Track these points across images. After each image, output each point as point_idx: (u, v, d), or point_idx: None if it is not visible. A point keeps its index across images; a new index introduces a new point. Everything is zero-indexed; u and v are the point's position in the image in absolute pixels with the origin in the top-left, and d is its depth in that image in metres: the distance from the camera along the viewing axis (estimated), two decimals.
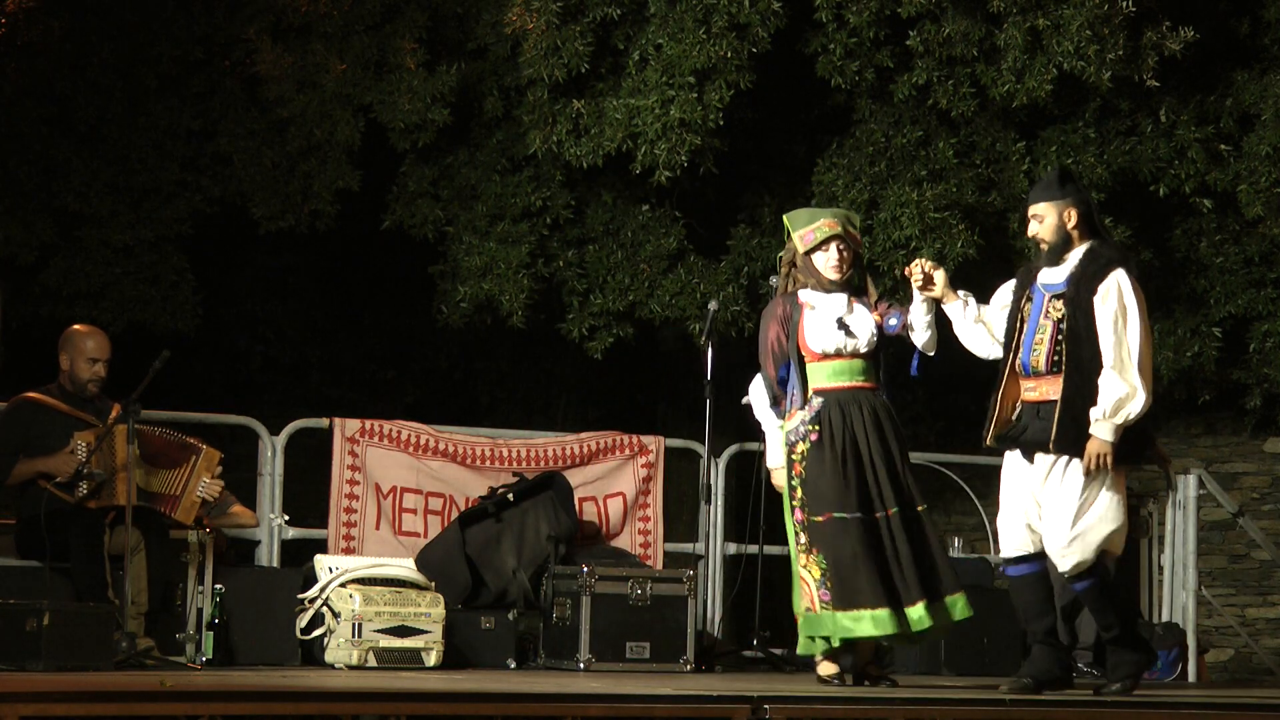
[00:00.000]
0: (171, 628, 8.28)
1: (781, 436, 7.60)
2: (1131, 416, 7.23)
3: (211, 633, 8.25)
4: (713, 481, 9.75)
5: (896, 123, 10.92)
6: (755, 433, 9.75)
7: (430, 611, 8.59)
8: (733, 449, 10.22)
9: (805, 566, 7.48)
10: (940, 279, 7.50)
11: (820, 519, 7.44)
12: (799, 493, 7.51)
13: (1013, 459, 7.48)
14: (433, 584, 8.82)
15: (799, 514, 7.52)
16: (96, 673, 7.00)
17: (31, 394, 8.45)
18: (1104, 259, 7.36)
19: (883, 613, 7.35)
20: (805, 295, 7.58)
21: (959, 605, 7.51)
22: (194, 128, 11.82)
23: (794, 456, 7.54)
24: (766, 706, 6.28)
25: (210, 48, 11.76)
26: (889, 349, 7.65)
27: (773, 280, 10.00)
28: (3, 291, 11.75)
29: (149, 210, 11.83)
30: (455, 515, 9.44)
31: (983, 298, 7.65)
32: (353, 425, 9.59)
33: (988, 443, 7.53)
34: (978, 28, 10.29)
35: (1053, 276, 7.43)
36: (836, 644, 7.45)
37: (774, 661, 9.43)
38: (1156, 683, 9.79)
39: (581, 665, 8.76)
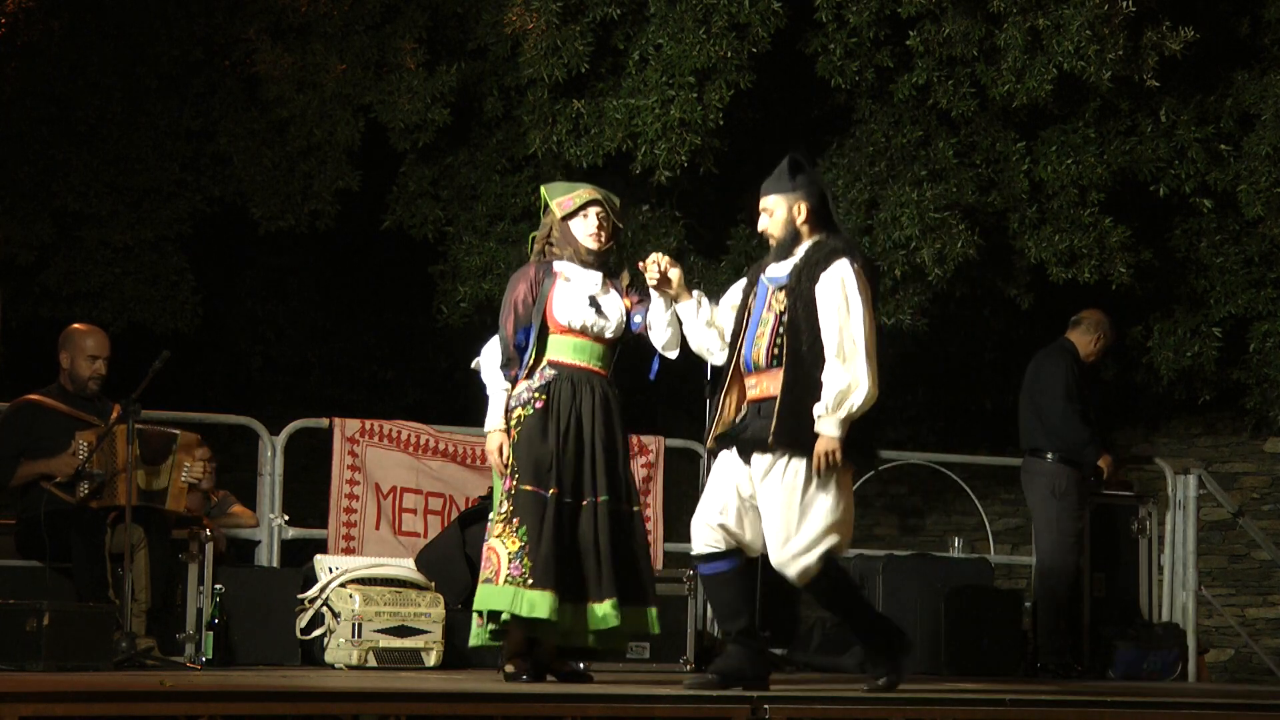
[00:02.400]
0: (172, 628, 8.29)
1: (504, 400, 7.31)
2: (855, 408, 6.88)
3: (211, 633, 8.26)
4: None
5: (896, 123, 10.92)
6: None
7: (430, 611, 8.59)
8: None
9: (501, 536, 7.14)
10: (676, 277, 7.20)
11: (528, 489, 7.16)
12: (510, 460, 7.22)
13: (725, 457, 7.13)
14: (433, 584, 8.82)
15: (508, 482, 7.22)
16: (96, 673, 7.01)
17: (32, 396, 8.47)
18: (829, 249, 7.04)
19: (564, 603, 7.06)
20: (560, 266, 7.36)
21: (651, 616, 7.24)
22: (194, 128, 11.83)
23: (512, 422, 7.27)
24: (766, 706, 6.28)
25: (210, 48, 11.76)
26: (628, 341, 7.41)
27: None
28: (3, 291, 11.74)
29: (149, 210, 11.83)
30: (455, 515, 9.45)
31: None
32: (353, 425, 9.59)
33: (708, 445, 7.22)
34: (978, 28, 10.29)
35: (778, 270, 7.13)
36: (505, 620, 7.09)
37: (774, 661, 9.43)
38: (1157, 683, 9.80)
39: (581, 665, 8.74)
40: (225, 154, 11.80)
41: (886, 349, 7.10)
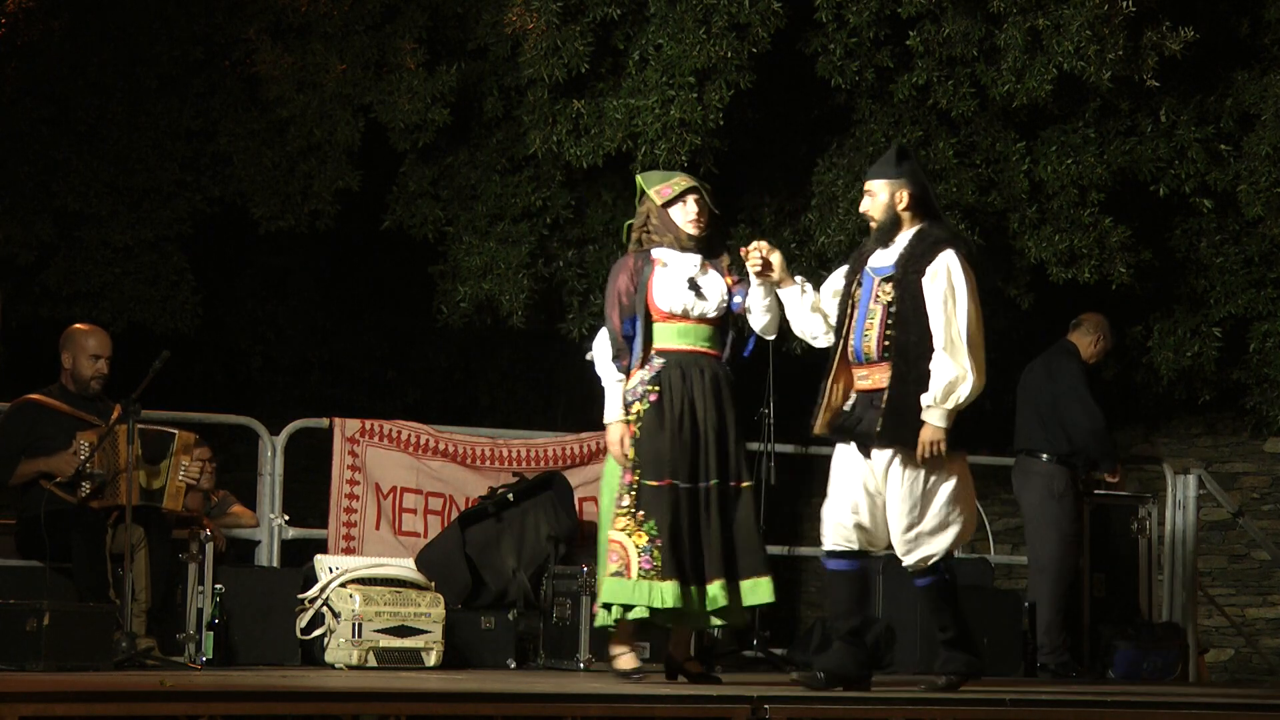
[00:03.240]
0: (172, 628, 8.29)
1: (620, 392, 7.43)
2: (963, 400, 7.01)
3: (211, 633, 8.26)
4: None
5: (896, 123, 10.92)
6: (754, 433, 9.77)
7: (430, 611, 8.59)
8: None
9: (626, 530, 7.26)
10: (777, 262, 7.29)
11: (655, 484, 7.26)
12: (632, 454, 7.32)
13: (845, 451, 7.24)
14: (433, 584, 8.83)
15: (629, 476, 7.31)
16: (96, 673, 7.01)
17: (33, 395, 8.47)
18: (932, 239, 7.15)
19: (688, 587, 7.20)
20: (659, 252, 7.44)
21: (760, 589, 7.32)
22: (194, 128, 11.82)
23: (630, 416, 7.37)
24: (766, 706, 6.28)
25: (210, 48, 11.76)
26: (734, 321, 7.49)
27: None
28: (3, 291, 11.74)
29: (149, 210, 11.82)
30: (455, 515, 9.45)
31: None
32: (353, 425, 9.60)
33: (816, 431, 7.29)
34: (978, 28, 10.29)
35: (882, 259, 7.22)
36: (640, 614, 7.22)
37: (774, 661, 9.43)
38: (1157, 683, 9.80)
39: (581, 665, 8.76)
40: (225, 154, 11.80)
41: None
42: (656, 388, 7.34)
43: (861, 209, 7.38)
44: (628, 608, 7.24)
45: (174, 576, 8.33)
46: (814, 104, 11.43)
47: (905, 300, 7.08)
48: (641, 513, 7.27)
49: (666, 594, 7.18)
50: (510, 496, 9.33)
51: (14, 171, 11.50)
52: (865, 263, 7.28)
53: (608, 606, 7.34)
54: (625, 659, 7.45)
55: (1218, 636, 12.95)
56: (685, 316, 7.39)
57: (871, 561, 7.38)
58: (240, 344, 14.38)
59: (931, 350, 7.03)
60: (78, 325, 8.70)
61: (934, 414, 7.01)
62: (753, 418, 9.75)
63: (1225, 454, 13.33)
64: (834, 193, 10.77)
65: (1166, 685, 9.72)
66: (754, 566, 7.35)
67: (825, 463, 7.51)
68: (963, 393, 7.01)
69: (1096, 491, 10.24)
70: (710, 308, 7.40)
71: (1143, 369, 11.79)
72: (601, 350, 7.60)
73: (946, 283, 7.06)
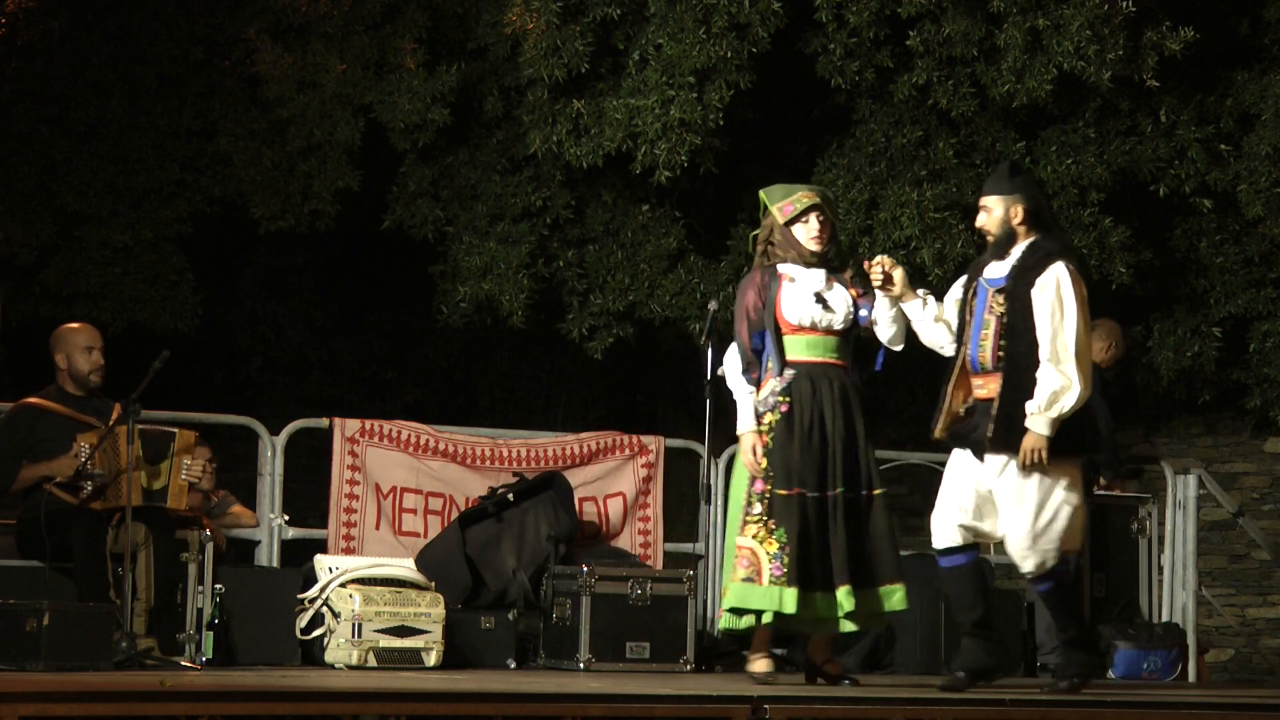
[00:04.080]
0: (172, 628, 8.29)
1: (752, 403, 7.57)
2: (1066, 409, 7.19)
3: (211, 633, 8.26)
4: (713, 481, 9.74)
5: (896, 123, 10.92)
6: None
7: (430, 611, 8.59)
8: (733, 449, 10.18)
9: (758, 538, 7.41)
10: (899, 277, 7.47)
11: (785, 493, 7.41)
12: (764, 464, 7.48)
13: (961, 455, 7.48)
14: (433, 584, 8.82)
15: (760, 485, 7.47)
16: (96, 673, 7.00)
17: (31, 399, 8.47)
18: (1043, 252, 7.35)
19: (813, 594, 7.34)
20: (784, 268, 7.59)
21: (894, 597, 7.47)
22: (194, 128, 11.83)
23: (761, 427, 7.53)
24: (766, 706, 6.28)
25: (210, 48, 11.76)
26: (859, 333, 7.64)
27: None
28: (3, 291, 11.75)
29: (149, 210, 11.83)
30: (455, 515, 9.44)
31: None
32: (353, 425, 9.59)
33: (936, 435, 7.52)
34: (978, 28, 10.29)
35: (996, 271, 7.43)
36: (766, 620, 7.36)
37: (774, 661, 9.42)
38: (1156, 683, 9.79)
39: (581, 665, 8.76)
40: (225, 154, 11.80)
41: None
42: (787, 398, 7.51)
43: (978, 224, 7.57)
44: (759, 613, 7.39)
45: (175, 576, 8.33)
46: (814, 104, 11.43)
47: (1016, 311, 7.29)
48: (772, 521, 7.42)
49: (789, 600, 7.32)
50: (510, 496, 9.33)
51: (14, 171, 11.50)
52: (981, 274, 7.48)
53: (735, 611, 7.48)
54: (760, 663, 7.55)
55: (1218, 636, 12.95)
56: (813, 329, 7.55)
57: (980, 555, 7.54)
58: (240, 344, 14.39)
59: (1038, 361, 7.23)
60: (65, 325, 8.71)
61: (1037, 422, 7.20)
62: None
63: (1225, 454, 13.33)
64: (834, 193, 10.77)
65: (1166, 685, 9.71)
66: (888, 573, 7.49)
67: None
68: (1067, 402, 7.20)
69: (1096, 492, 10.23)
70: (837, 320, 7.56)
71: (1143, 369, 11.79)
72: (732, 364, 7.74)
73: (1055, 295, 7.26)
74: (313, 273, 14.35)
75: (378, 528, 9.53)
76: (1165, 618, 10.43)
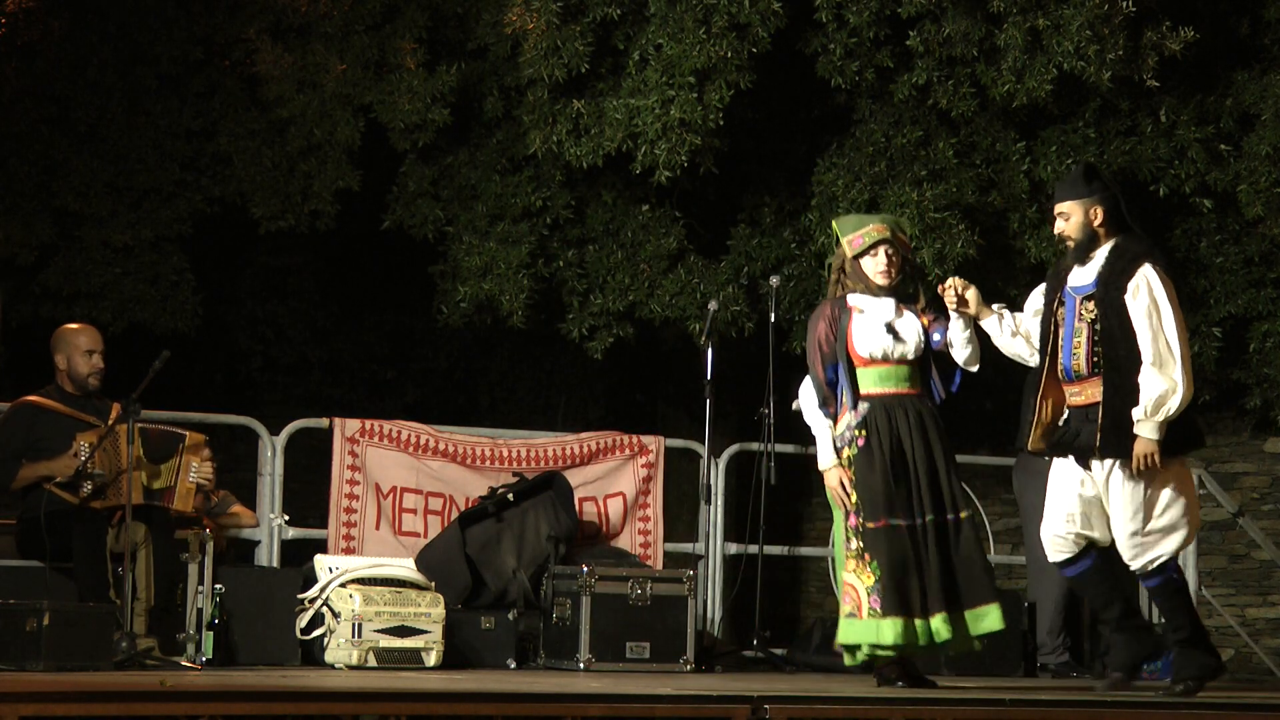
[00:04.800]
0: (172, 627, 8.29)
1: (830, 437, 7.60)
2: (1173, 411, 7.21)
3: (211, 633, 8.25)
4: (713, 481, 9.75)
5: (896, 123, 10.91)
6: (755, 433, 9.77)
7: (430, 611, 8.59)
8: (733, 449, 10.22)
9: (855, 572, 7.47)
10: (973, 297, 7.48)
11: (874, 525, 7.45)
12: (853, 497, 7.51)
13: (1063, 465, 7.47)
14: (433, 584, 8.82)
15: (853, 519, 7.51)
16: (96, 673, 7.00)
17: (31, 397, 8.47)
18: (1130, 255, 7.34)
19: (911, 622, 7.40)
20: (854, 299, 7.60)
21: (988, 617, 7.49)
22: (194, 128, 11.82)
23: (844, 460, 7.55)
24: (766, 706, 6.28)
25: (210, 48, 11.76)
26: (935, 358, 7.65)
27: (774, 280, 10.00)
28: (3, 291, 11.75)
29: (149, 210, 11.83)
30: (455, 515, 9.45)
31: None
32: (353, 425, 9.59)
33: (1030, 448, 7.52)
34: (978, 28, 10.29)
35: (1081, 278, 7.41)
36: (866, 655, 7.48)
37: (774, 661, 9.43)
38: (1156, 683, 9.79)
39: (581, 665, 8.76)
40: (225, 154, 11.80)
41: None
42: (863, 431, 7.53)
43: (1056, 231, 7.55)
44: (873, 647, 7.45)
45: (176, 576, 8.33)
46: (814, 104, 11.43)
47: (1110, 317, 7.27)
48: (868, 554, 7.45)
49: (886, 631, 7.36)
50: (510, 496, 9.33)
51: (14, 171, 11.50)
52: (1065, 281, 7.46)
53: (848, 648, 7.56)
54: (888, 670, 7.56)
55: (1218, 636, 12.93)
56: (885, 360, 7.55)
57: (1102, 552, 7.50)
58: (240, 344, 14.39)
59: (1139, 364, 7.22)
60: (66, 325, 8.71)
61: (1146, 427, 7.21)
62: (753, 418, 9.76)
63: (1225, 454, 13.32)
64: (834, 193, 10.77)
65: (1166, 685, 9.70)
66: (981, 595, 7.51)
67: None
68: (1173, 405, 7.21)
69: None
70: (909, 349, 7.56)
71: None
72: (808, 398, 7.73)
73: (1149, 298, 7.26)
74: (313, 273, 14.36)
75: (378, 528, 9.53)
76: None
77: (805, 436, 8.15)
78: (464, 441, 9.80)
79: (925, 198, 10.54)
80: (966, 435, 12.59)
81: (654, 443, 10.08)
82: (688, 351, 12.15)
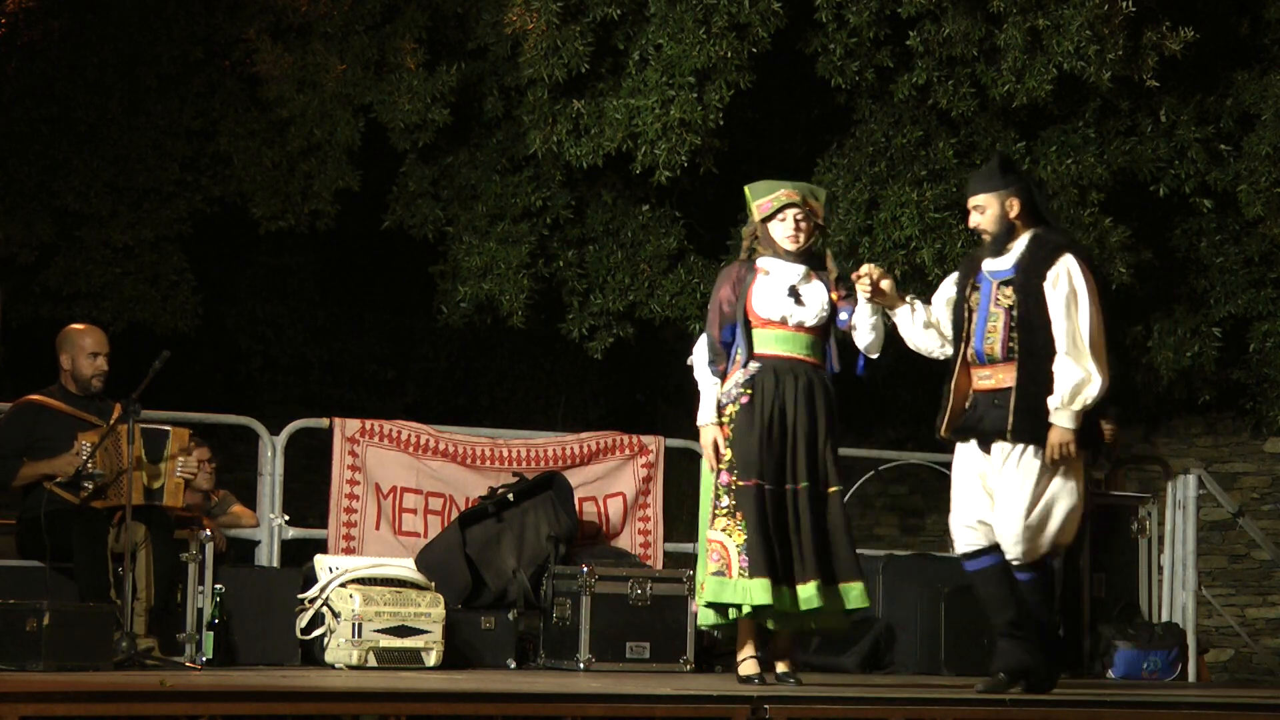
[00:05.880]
0: (172, 627, 8.29)
1: (715, 396, 7.53)
2: (1089, 402, 7.14)
3: (211, 633, 8.25)
4: None
5: (896, 123, 10.92)
6: None
7: (430, 611, 8.58)
8: None
9: (726, 530, 7.38)
10: (888, 287, 7.38)
11: (745, 483, 7.38)
12: (727, 455, 7.45)
13: (966, 450, 7.39)
14: (433, 584, 8.82)
15: (725, 476, 7.44)
16: (96, 673, 7.00)
17: (34, 396, 8.47)
18: (1052, 245, 7.27)
19: (779, 586, 7.30)
20: (762, 261, 7.53)
21: (853, 594, 7.42)
22: (194, 128, 11.83)
23: (723, 419, 7.49)
24: (766, 706, 6.28)
25: (210, 48, 11.77)
26: (838, 336, 7.56)
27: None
28: (3, 291, 11.74)
29: (149, 210, 11.83)
30: (455, 515, 9.44)
31: None
32: (353, 425, 9.59)
33: (942, 434, 7.44)
34: (978, 28, 10.29)
35: (999, 264, 7.33)
36: (745, 613, 7.33)
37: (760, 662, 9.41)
38: (1156, 683, 9.80)
39: (581, 665, 8.76)
40: (225, 154, 11.80)
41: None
42: (749, 390, 7.47)
43: (971, 224, 7.47)
44: (737, 607, 7.36)
45: (175, 576, 8.33)
46: (814, 104, 11.43)
47: (1028, 304, 7.21)
48: (740, 513, 7.40)
49: (759, 591, 7.28)
50: (510, 496, 9.32)
51: (14, 171, 11.50)
52: (980, 268, 7.40)
53: (712, 606, 7.46)
54: (746, 665, 7.50)
55: (1218, 636, 12.95)
56: (784, 323, 7.48)
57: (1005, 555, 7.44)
58: (240, 344, 14.39)
59: (1055, 353, 7.17)
60: (74, 325, 8.70)
61: (1063, 416, 7.15)
62: None
63: (1225, 454, 13.33)
64: (834, 192, 10.78)
65: (1166, 685, 9.71)
66: (846, 570, 7.46)
67: None
68: (1089, 394, 7.15)
69: (1096, 492, 10.23)
70: (809, 316, 7.49)
71: (1142, 369, 11.79)
72: (699, 356, 7.69)
73: (1069, 287, 7.20)
74: (313, 273, 14.36)
75: (378, 528, 9.53)
76: (1165, 618, 10.43)
77: None
78: (464, 441, 9.80)
79: (925, 198, 10.54)
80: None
81: (654, 443, 10.08)
82: (688, 352, 12.14)
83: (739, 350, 7.51)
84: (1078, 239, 7.66)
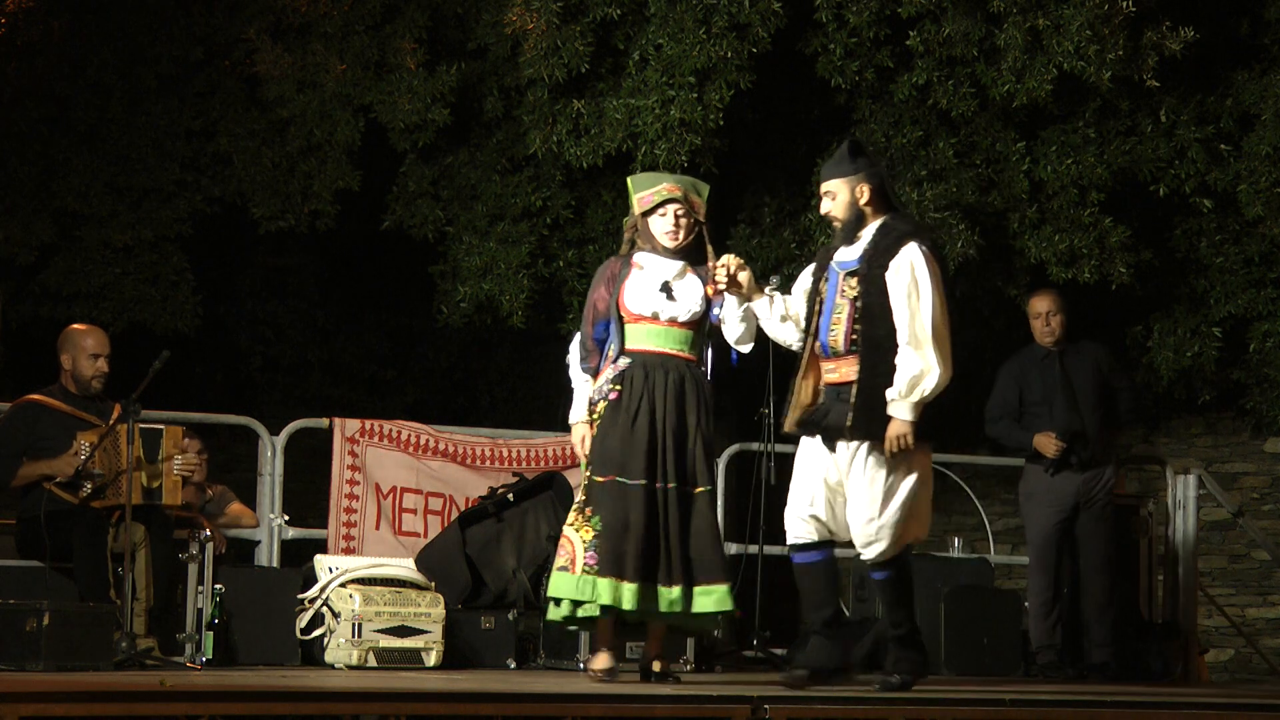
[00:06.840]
0: (172, 627, 8.29)
1: (586, 393, 7.48)
2: (928, 393, 7.01)
3: (211, 633, 8.26)
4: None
5: (896, 123, 10.92)
6: (755, 433, 9.76)
7: (430, 611, 8.59)
8: (733, 449, 10.22)
9: (575, 526, 7.33)
10: (744, 279, 7.29)
11: (601, 480, 7.32)
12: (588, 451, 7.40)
13: (810, 444, 7.24)
14: (433, 584, 8.83)
15: (584, 473, 7.41)
16: (96, 673, 7.01)
17: (34, 396, 8.48)
18: (897, 233, 7.14)
19: (640, 587, 7.24)
20: (639, 257, 7.48)
21: (716, 595, 7.35)
22: (194, 128, 11.83)
23: (593, 415, 7.43)
24: (766, 706, 6.28)
25: (210, 48, 11.76)
26: (711, 331, 7.50)
27: (774, 280, 10.00)
28: (3, 291, 11.75)
29: (149, 210, 11.83)
30: (455, 515, 9.45)
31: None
32: (353, 425, 9.60)
33: (786, 429, 7.31)
34: (978, 28, 10.29)
35: (847, 255, 7.22)
36: (588, 611, 7.28)
37: (774, 661, 9.43)
38: (1157, 683, 9.80)
39: (581, 665, 8.75)
40: (225, 154, 11.80)
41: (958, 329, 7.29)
42: (618, 386, 7.40)
43: (822, 211, 7.35)
44: (578, 604, 7.30)
45: (175, 576, 8.34)
46: (814, 104, 11.43)
47: (871, 294, 7.09)
48: (590, 509, 7.32)
49: (603, 590, 7.21)
50: (510, 496, 9.33)
51: (14, 171, 11.50)
52: (831, 259, 7.29)
53: (555, 601, 7.39)
54: (598, 659, 7.42)
55: (1218, 636, 12.95)
56: (655, 319, 7.42)
57: (833, 552, 7.33)
58: (240, 344, 14.39)
59: (897, 345, 7.04)
60: (75, 325, 8.71)
61: (900, 408, 7.01)
62: (753, 418, 9.75)
63: (1225, 454, 13.34)
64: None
65: (1166, 685, 9.71)
66: (710, 573, 7.37)
67: None
68: (928, 386, 7.02)
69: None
70: (681, 311, 7.42)
71: (1143, 369, 11.79)
72: (573, 355, 7.65)
73: (910, 276, 7.06)
74: (313, 273, 14.36)
75: (378, 528, 9.54)
76: (1165, 618, 10.43)
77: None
78: (464, 441, 9.80)
79: (925, 198, 10.53)
80: (966, 436, 12.63)
81: None
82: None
83: (611, 346, 7.44)
84: (925, 226, 7.46)
